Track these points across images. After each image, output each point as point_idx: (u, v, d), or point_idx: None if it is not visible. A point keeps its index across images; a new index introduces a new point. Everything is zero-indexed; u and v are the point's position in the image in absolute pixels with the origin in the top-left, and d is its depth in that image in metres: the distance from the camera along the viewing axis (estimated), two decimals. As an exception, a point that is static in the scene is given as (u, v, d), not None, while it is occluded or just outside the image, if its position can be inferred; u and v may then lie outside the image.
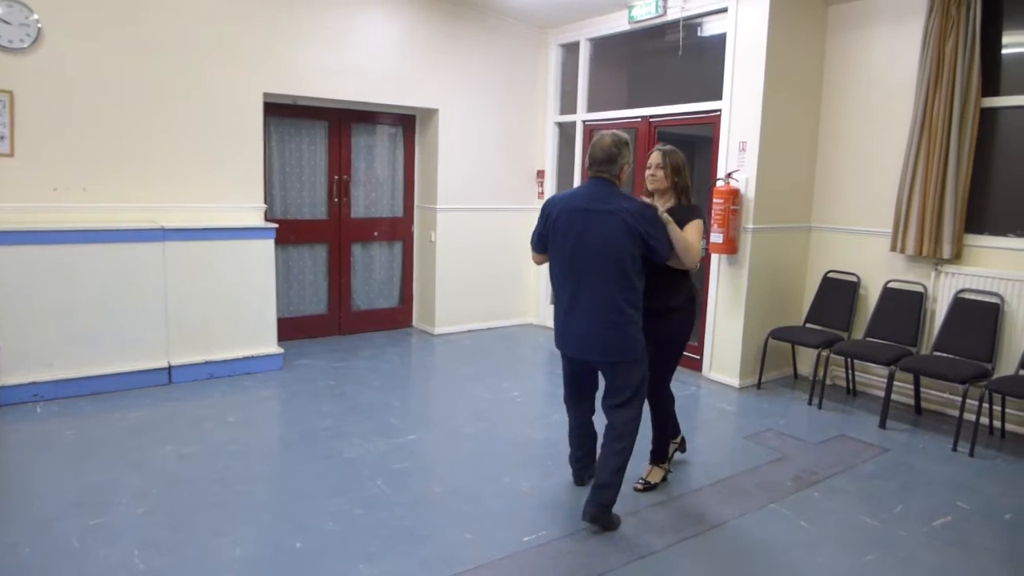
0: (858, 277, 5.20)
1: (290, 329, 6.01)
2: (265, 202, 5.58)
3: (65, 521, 3.00)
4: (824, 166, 5.44)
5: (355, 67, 5.82)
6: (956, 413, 4.32)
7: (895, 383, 4.59)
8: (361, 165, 6.47)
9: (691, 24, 5.65)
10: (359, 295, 6.63)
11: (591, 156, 3.11)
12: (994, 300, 4.46)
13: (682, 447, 3.84)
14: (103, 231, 4.56)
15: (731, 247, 5.12)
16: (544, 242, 3.20)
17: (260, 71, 5.35)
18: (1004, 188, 4.57)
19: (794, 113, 5.25)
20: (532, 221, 7.24)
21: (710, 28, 5.56)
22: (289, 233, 5.99)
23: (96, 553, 2.78)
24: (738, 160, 5.15)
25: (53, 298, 4.43)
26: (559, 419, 3.50)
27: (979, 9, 4.39)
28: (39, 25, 4.49)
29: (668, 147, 3.40)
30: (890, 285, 4.99)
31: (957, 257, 4.66)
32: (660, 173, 3.34)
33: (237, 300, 5.10)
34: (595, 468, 3.22)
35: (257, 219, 5.42)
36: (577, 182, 6.73)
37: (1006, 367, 4.38)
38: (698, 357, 5.61)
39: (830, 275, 5.35)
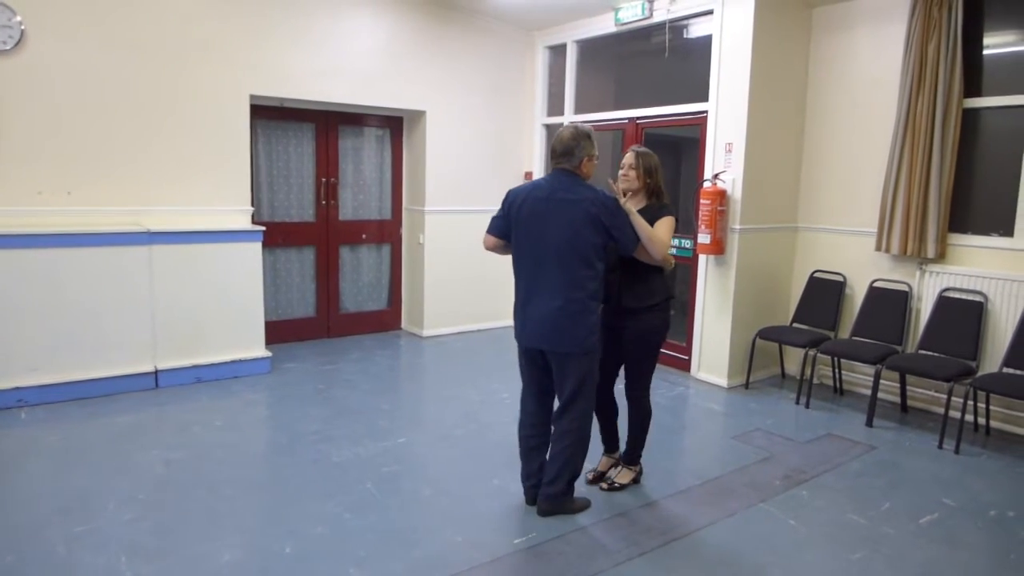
0: (844, 277, 5.24)
1: (278, 332, 5.99)
2: (252, 205, 5.55)
3: (50, 528, 2.98)
4: (809, 167, 5.48)
5: (342, 69, 5.80)
6: (941, 411, 4.36)
7: (881, 381, 4.63)
8: (349, 167, 6.45)
9: (677, 26, 5.67)
10: (347, 298, 6.61)
11: (552, 148, 3.14)
12: (978, 299, 4.51)
13: (637, 479, 3.63)
14: (88, 235, 4.52)
15: (718, 248, 5.14)
16: (502, 227, 3.20)
17: (246, 73, 5.33)
18: (986, 188, 4.62)
19: (780, 114, 5.29)
20: (520, 223, 7.15)
21: (696, 30, 5.59)
22: (277, 236, 5.97)
23: (82, 560, 2.75)
24: (725, 161, 5.18)
25: (38, 302, 4.39)
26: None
27: (960, 11, 4.44)
28: (22, 27, 4.45)
29: (642, 148, 3.42)
30: (876, 284, 5.03)
31: (941, 256, 4.71)
32: (632, 173, 3.35)
33: (224, 303, 5.07)
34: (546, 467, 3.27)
35: (244, 222, 5.39)
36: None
37: (990, 365, 4.42)
38: (686, 357, 5.63)
39: (816, 275, 5.39)
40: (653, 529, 3.14)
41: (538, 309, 3.08)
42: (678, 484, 3.61)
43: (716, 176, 5.18)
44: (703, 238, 5.13)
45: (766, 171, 5.25)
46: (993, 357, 4.43)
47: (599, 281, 3.08)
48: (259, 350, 5.28)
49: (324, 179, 6.28)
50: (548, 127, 6.98)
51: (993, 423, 4.46)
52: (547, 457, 3.25)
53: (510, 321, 7.10)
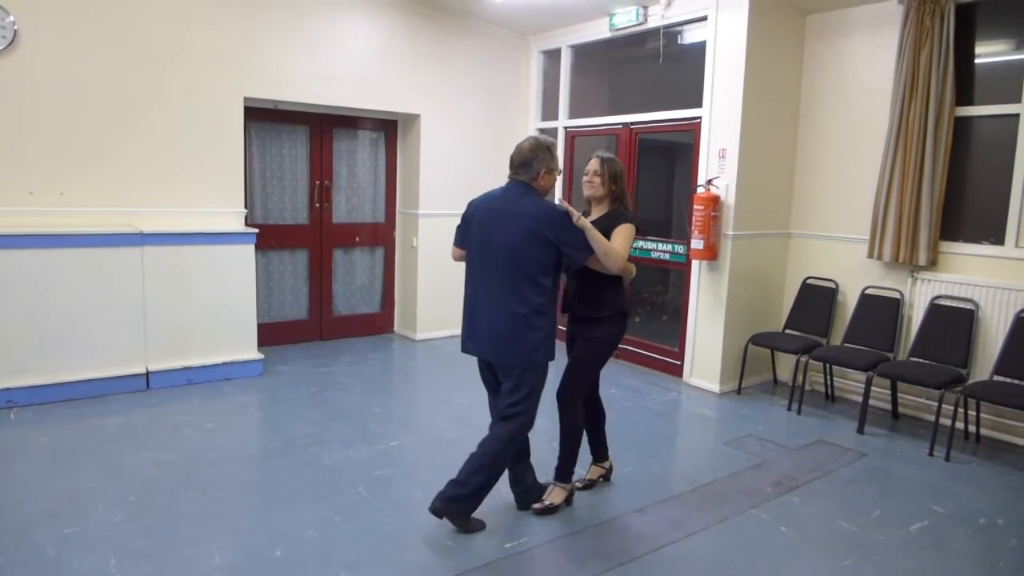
0: (836, 283, 5.26)
1: (270, 334, 5.97)
2: (246, 207, 5.54)
3: (39, 530, 2.96)
4: (803, 173, 5.51)
5: (336, 72, 5.80)
6: (932, 418, 4.37)
7: (872, 388, 4.64)
8: (343, 170, 6.44)
9: (671, 32, 5.70)
10: (340, 300, 6.59)
11: (511, 159, 3.10)
12: (969, 307, 4.53)
13: (607, 476, 3.66)
14: (80, 235, 4.50)
15: (711, 253, 5.16)
16: (462, 238, 3.21)
17: (241, 75, 5.32)
18: (978, 196, 4.65)
19: (773, 121, 5.31)
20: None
21: (690, 36, 5.61)
22: (270, 238, 5.96)
23: (71, 562, 2.73)
24: (718, 167, 5.19)
25: (29, 303, 4.36)
26: (540, 424, 3.49)
27: (952, 20, 4.48)
28: (15, 27, 4.43)
29: (607, 155, 3.35)
30: (867, 291, 5.05)
31: (933, 264, 4.73)
32: (597, 180, 3.29)
33: (217, 305, 5.05)
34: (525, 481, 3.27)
35: (237, 224, 5.38)
36: (558, 189, 6.75)
37: (981, 372, 4.45)
38: (679, 363, 5.64)
39: (809, 281, 5.41)
40: (644, 535, 3.14)
41: (483, 322, 3.05)
42: (670, 490, 3.61)
43: (710, 182, 5.20)
44: (696, 244, 5.15)
45: (759, 177, 5.27)
46: (984, 365, 4.45)
47: (547, 295, 3.00)
48: (251, 352, 5.26)
49: (318, 182, 6.27)
50: (543, 131, 6.98)
51: (983, 431, 4.48)
52: (469, 457, 3.12)
53: (503, 325, 7.15)
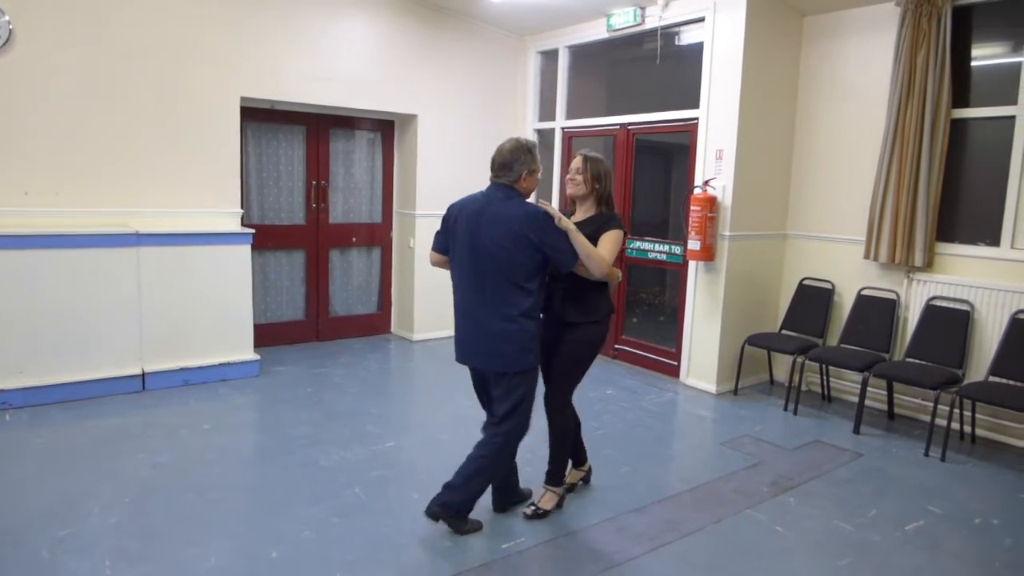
0: (833, 284, 5.27)
1: (267, 335, 5.96)
2: (242, 207, 5.53)
3: (34, 532, 2.95)
4: (799, 174, 5.52)
5: (333, 72, 5.79)
6: (928, 418, 4.39)
7: (869, 389, 4.65)
8: (340, 170, 6.44)
9: (669, 33, 5.70)
10: (337, 301, 6.59)
11: (492, 160, 3.04)
12: (964, 308, 4.54)
13: (587, 478, 3.62)
14: (75, 236, 4.48)
15: (708, 254, 5.16)
16: (444, 244, 3.12)
17: (237, 75, 5.31)
18: (973, 198, 4.67)
19: (770, 122, 5.32)
20: (511, 227, 7.12)
21: (687, 37, 5.62)
22: (266, 238, 5.95)
23: (66, 564, 2.73)
24: (715, 168, 5.20)
25: (24, 304, 4.35)
26: (537, 426, 3.48)
27: (949, 22, 4.49)
28: (10, 26, 4.42)
29: (592, 154, 3.26)
30: (864, 292, 5.06)
31: (929, 265, 4.74)
32: (580, 178, 3.20)
33: (213, 306, 5.04)
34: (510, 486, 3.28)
35: (234, 224, 5.37)
36: (555, 190, 6.75)
37: (976, 373, 4.46)
38: (675, 363, 5.65)
39: (805, 282, 5.42)
40: (642, 535, 3.14)
41: (471, 328, 3.01)
42: (666, 490, 3.62)
43: (707, 183, 5.21)
44: (693, 244, 5.15)
45: (756, 178, 5.28)
46: (979, 365, 4.46)
47: (533, 298, 2.95)
48: (247, 353, 5.25)
49: (314, 182, 6.26)
50: (540, 132, 6.99)
51: (979, 431, 4.49)
52: (466, 457, 3.13)
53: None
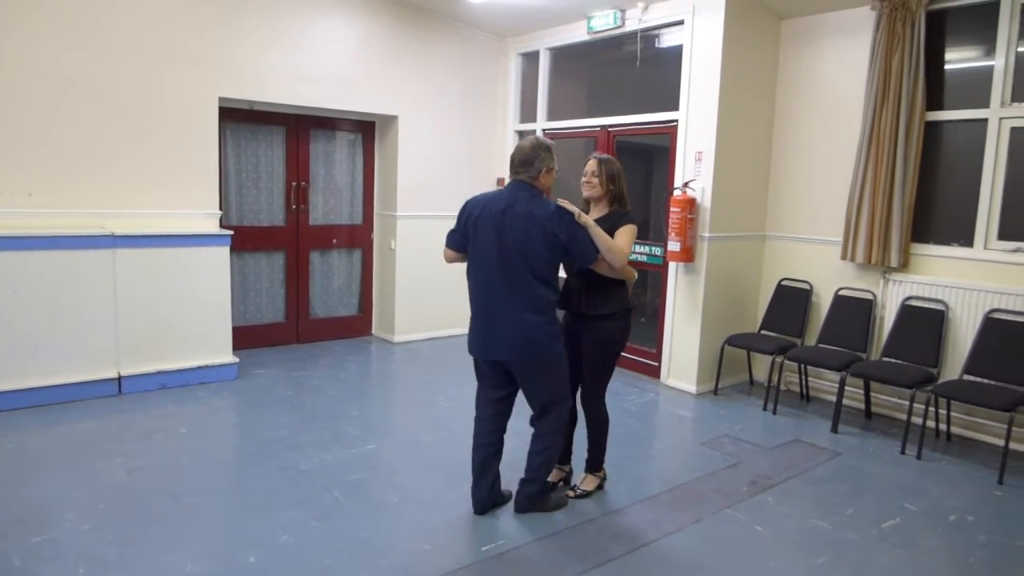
0: (810, 285, 5.32)
1: (246, 338, 5.91)
2: (220, 208, 5.48)
3: (6, 539, 2.90)
4: (777, 176, 5.57)
5: (313, 73, 5.76)
6: (904, 417, 4.44)
7: (846, 388, 4.70)
8: (320, 171, 6.40)
9: (648, 36, 5.73)
10: (317, 303, 6.54)
11: (511, 158, 3.14)
12: (939, 307, 4.60)
13: (567, 480, 3.65)
14: (50, 237, 4.42)
15: (688, 255, 5.19)
16: (461, 240, 3.20)
17: (216, 75, 5.27)
18: (948, 199, 4.73)
19: (749, 124, 5.36)
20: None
21: (667, 40, 5.65)
22: (245, 240, 5.90)
23: (39, 571, 2.68)
24: (695, 170, 5.23)
25: (-4, 307, 4.28)
26: (518, 427, 3.48)
27: (923, 26, 4.55)
28: (-18, 25, 4.35)
29: (604, 156, 3.41)
30: (841, 293, 5.11)
31: (904, 266, 4.80)
32: (595, 180, 3.34)
33: (191, 308, 4.99)
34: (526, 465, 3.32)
35: (212, 226, 5.32)
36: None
37: (951, 372, 4.52)
38: (656, 364, 5.67)
39: (784, 283, 5.47)
40: (621, 536, 3.15)
41: (498, 323, 3.07)
42: (646, 490, 3.63)
43: (686, 184, 5.24)
44: (673, 246, 5.18)
45: (735, 180, 5.32)
46: (954, 364, 4.52)
47: (555, 291, 3.12)
48: (226, 356, 5.20)
49: (294, 183, 6.22)
50: (520, 133, 6.99)
51: (954, 429, 4.56)
52: (528, 454, 3.27)
53: (482, 327, 7.15)
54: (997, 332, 4.32)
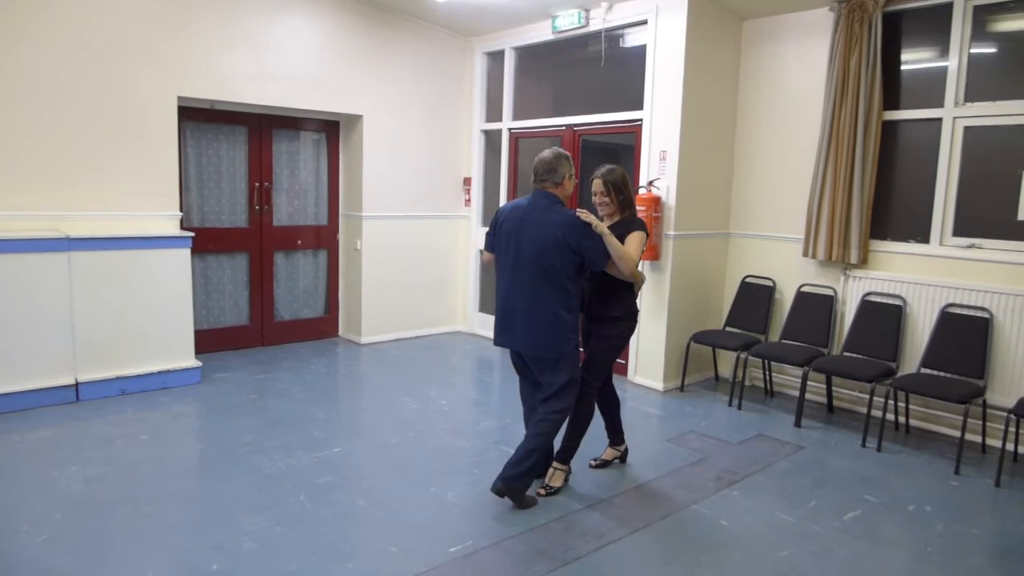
0: (773, 282, 5.40)
1: (209, 341, 5.81)
2: (181, 210, 5.38)
3: (-43, 552, 2.81)
4: (740, 175, 5.64)
5: (275, 72, 5.68)
6: (865, 410, 4.53)
7: (809, 383, 4.78)
8: (283, 172, 6.32)
9: (613, 35, 5.76)
10: (282, 305, 6.46)
11: (534, 169, 3.36)
12: (897, 303, 4.71)
13: (623, 457, 3.97)
14: (1, 241, 4.28)
15: (653, 254, 5.23)
16: (490, 243, 3.48)
17: (174, 74, 5.16)
18: (904, 197, 4.83)
19: (712, 123, 5.42)
20: (459, 229, 7.21)
21: (631, 39, 5.68)
22: (207, 242, 5.80)
23: (-9, 585, 2.60)
24: (659, 168, 5.27)
25: (-55, 313, 4.14)
26: (487, 427, 3.48)
27: (880, 27, 4.64)
28: (-72, 22, 4.20)
29: (605, 169, 3.59)
30: (803, 289, 5.20)
31: (864, 262, 4.90)
32: (607, 200, 3.55)
33: (151, 312, 4.89)
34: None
35: (172, 227, 5.22)
36: (503, 190, 6.76)
37: (909, 365, 4.62)
38: (623, 362, 5.70)
39: (747, 280, 5.54)
40: (589, 533, 3.16)
41: (515, 321, 3.32)
42: (614, 487, 3.65)
43: (651, 183, 5.27)
44: (639, 244, 5.21)
45: (699, 178, 5.37)
46: (912, 358, 4.62)
47: (572, 296, 3.29)
48: (188, 360, 5.11)
49: (257, 184, 6.13)
50: (487, 133, 6.98)
51: (912, 421, 4.66)
52: (525, 437, 3.40)
53: (449, 327, 7.16)
54: (953, 326, 4.43)
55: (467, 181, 7.06)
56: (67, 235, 4.52)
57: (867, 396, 4.45)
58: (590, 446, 3.84)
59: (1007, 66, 4.47)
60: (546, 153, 3.36)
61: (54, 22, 4.62)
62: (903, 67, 4.80)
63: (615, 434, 3.92)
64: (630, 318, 3.60)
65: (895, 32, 4.77)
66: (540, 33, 6.24)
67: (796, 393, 4.90)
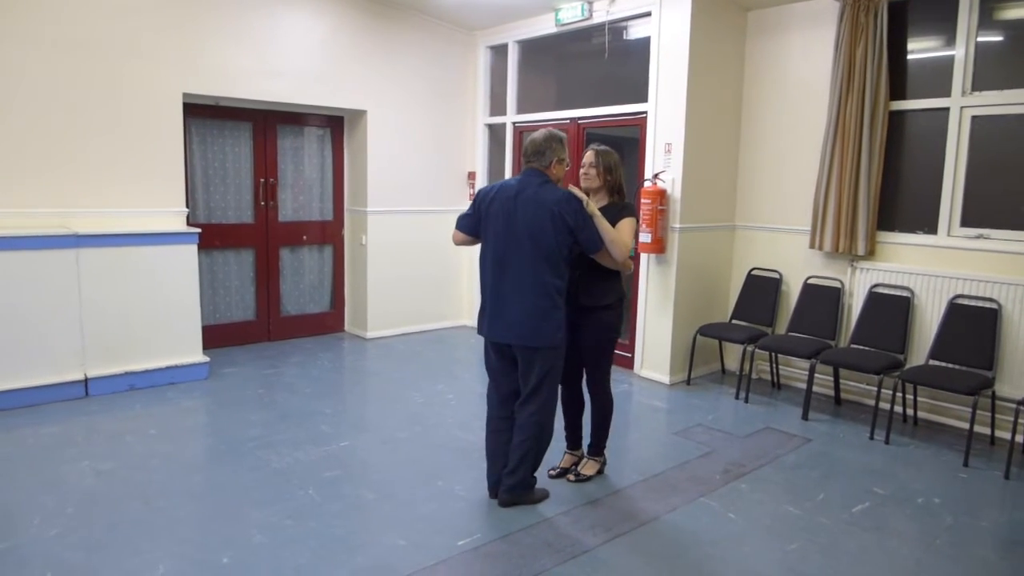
0: (780, 274, 5.38)
1: (217, 336, 5.83)
2: (187, 206, 5.39)
3: (-31, 547, 2.83)
4: (746, 166, 5.62)
5: (279, 67, 5.68)
6: (872, 403, 4.52)
7: (816, 375, 4.77)
8: (288, 167, 6.32)
9: (616, 27, 5.74)
10: (289, 300, 6.48)
11: (524, 149, 3.25)
12: (905, 294, 4.69)
13: (601, 469, 3.74)
14: (9, 238, 4.30)
15: (659, 247, 5.22)
16: (471, 224, 3.31)
17: (179, 71, 5.17)
18: (912, 187, 4.81)
19: (717, 115, 5.40)
20: (464, 223, 7.08)
21: (635, 32, 5.66)
22: (213, 238, 5.81)
23: (4, 579, 2.62)
24: (664, 161, 5.26)
25: (-46, 310, 4.17)
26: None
27: (886, 17, 4.61)
28: (-66, 20, 4.22)
29: (602, 147, 3.48)
30: (810, 281, 5.18)
31: (871, 253, 4.88)
32: (593, 172, 3.41)
33: (159, 308, 4.91)
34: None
35: (179, 223, 5.23)
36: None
37: (917, 357, 4.61)
38: (630, 355, 5.70)
39: (754, 272, 5.52)
40: (597, 526, 3.16)
41: (505, 307, 3.16)
42: (621, 481, 3.65)
43: (656, 176, 5.26)
44: (644, 237, 5.20)
45: (705, 171, 5.35)
46: (920, 350, 4.61)
47: (564, 280, 3.18)
48: (196, 355, 5.13)
49: (263, 179, 6.14)
50: (491, 127, 6.97)
51: (920, 413, 4.65)
52: (511, 446, 3.29)
53: (454, 322, 7.15)
54: (961, 317, 4.41)
55: (471, 175, 7.05)
56: (75, 232, 4.54)
57: (875, 388, 4.44)
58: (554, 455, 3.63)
59: (1015, 54, 4.43)
60: (538, 134, 3.23)
61: (58, 21, 4.63)
62: (909, 56, 4.77)
63: (575, 439, 3.73)
64: (617, 304, 3.50)
65: (901, 21, 4.74)
66: (543, 26, 6.22)
67: (803, 386, 4.89)
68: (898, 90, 4.76)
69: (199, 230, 5.15)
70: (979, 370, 4.21)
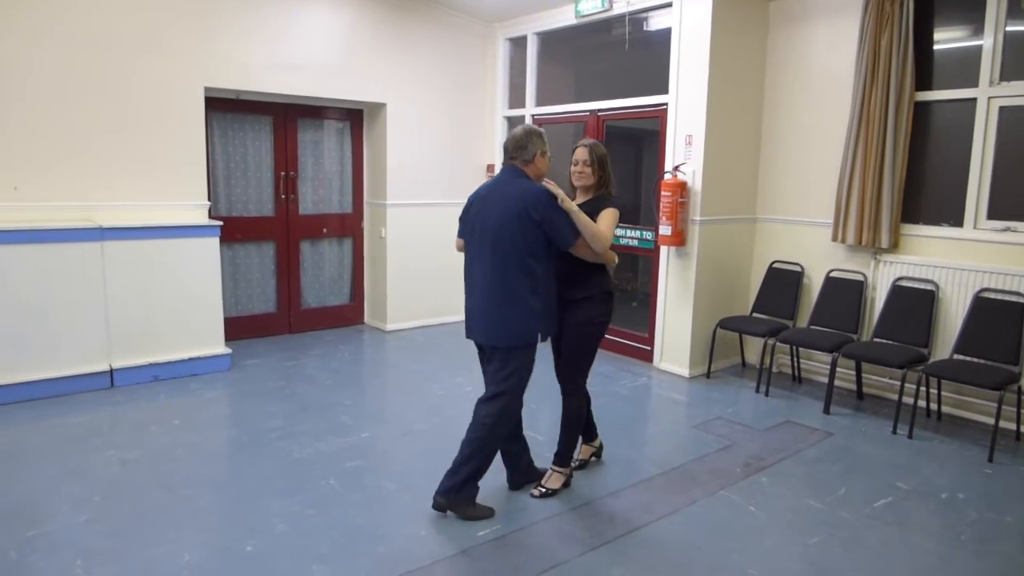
0: (802, 267, 5.33)
1: (238, 328, 5.89)
2: (209, 199, 5.44)
3: (0, 533, 2.88)
4: (767, 158, 5.56)
5: (299, 61, 5.71)
6: (895, 397, 4.47)
7: (838, 369, 4.73)
8: (308, 161, 6.36)
9: (637, 19, 5.70)
10: (309, 292, 6.52)
11: (505, 147, 3.18)
12: (929, 287, 4.63)
13: (598, 453, 3.75)
14: (36, 231, 4.38)
15: (679, 239, 5.19)
16: (461, 228, 3.28)
17: (201, 65, 5.21)
18: (937, 179, 4.74)
19: (738, 107, 5.35)
20: (483, 216, 7.09)
21: (655, 23, 5.62)
22: (235, 231, 5.86)
23: (35, 564, 2.67)
24: (685, 153, 5.22)
25: (-16, 301, 4.24)
26: (534, 411, 3.50)
27: (911, 6, 4.54)
28: (-38, 16, 4.28)
29: (591, 141, 3.38)
30: (832, 274, 5.13)
31: (895, 246, 4.82)
32: (588, 170, 3.31)
33: (181, 300, 4.97)
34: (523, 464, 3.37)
35: (201, 217, 5.28)
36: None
37: (941, 351, 4.55)
38: (648, 348, 5.69)
39: (775, 265, 5.48)
40: (616, 518, 3.16)
41: (474, 303, 3.14)
42: (641, 474, 3.64)
43: (676, 168, 5.23)
44: (664, 230, 5.18)
45: (725, 163, 5.31)
46: (944, 344, 4.55)
47: (536, 276, 3.03)
48: (218, 347, 5.18)
49: (283, 173, 6.18)
50: (509, 120, 6.96)
51: (944, 408, 4.59)
52: (461, 443, 3.16)
53: (474, 314, 7.15)
54: (987, 311, 4.35)
55: (490, 168, 7.05)
56: (100, 225, 4.60)
57: (898, 382, 4.39)
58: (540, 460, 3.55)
59: (1045, 44, 4.35)
60: (517, 130, 3.15)
61: (82, 18, 4.68)
62: (936, 46, 4.70)
63: (588, 429, 3.65)
64: (604, 299, 3.29)
65: (927, 10, 4.66)
66: (563, 18, 6.19)
67: (825, 379, 4.85)
68: (924, 80, 4.69)
69: (221, 223, 5.20)
70: (1005, 365, 4.15)
